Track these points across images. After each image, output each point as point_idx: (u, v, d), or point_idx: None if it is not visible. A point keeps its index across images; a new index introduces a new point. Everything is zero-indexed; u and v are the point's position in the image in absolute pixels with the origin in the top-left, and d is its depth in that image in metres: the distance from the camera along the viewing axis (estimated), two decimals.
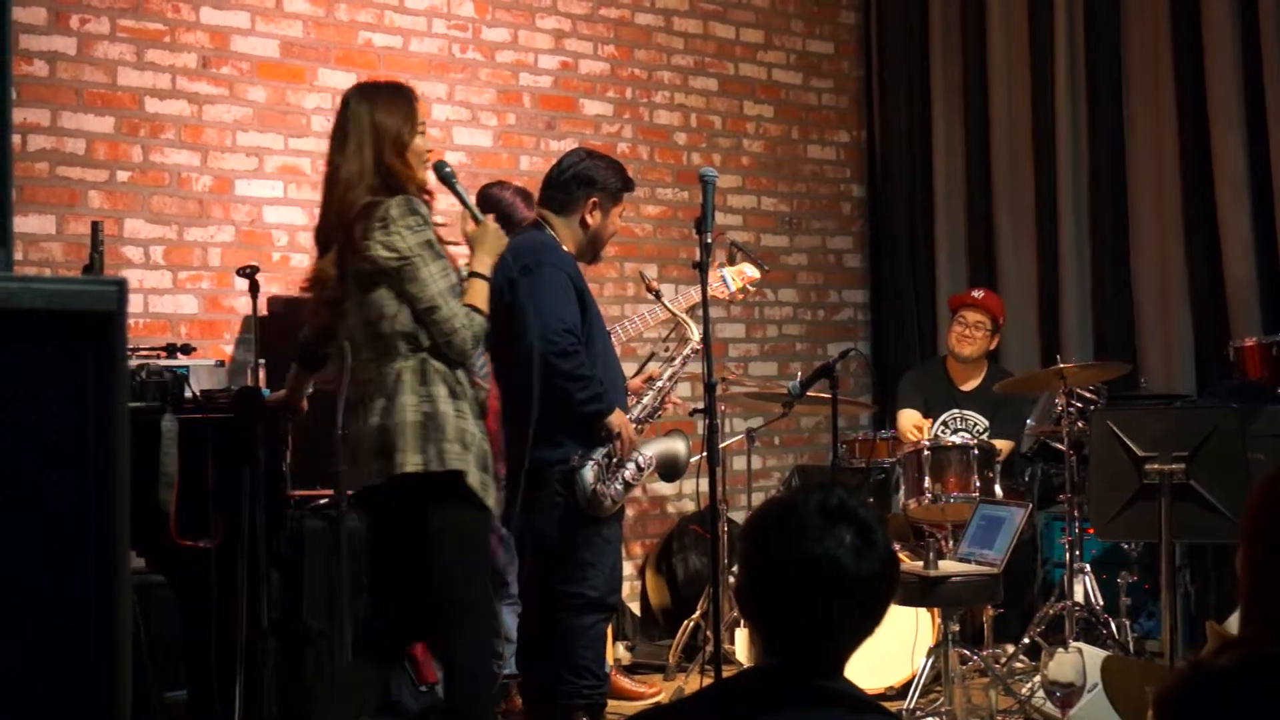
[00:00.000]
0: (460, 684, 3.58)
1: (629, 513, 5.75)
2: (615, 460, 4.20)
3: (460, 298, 3.50)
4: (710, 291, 4.07)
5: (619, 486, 4.21)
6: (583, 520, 4.17)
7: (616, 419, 4.20)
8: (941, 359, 6.32)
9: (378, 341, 3.49)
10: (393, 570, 3.62)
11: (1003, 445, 5.68)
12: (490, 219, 3.70)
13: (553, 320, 4.00)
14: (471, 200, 3.73)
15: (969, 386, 6.12)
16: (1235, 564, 2.00)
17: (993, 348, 6.20)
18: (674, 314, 4.68)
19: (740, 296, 5.22)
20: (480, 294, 3.54)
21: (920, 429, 5.87)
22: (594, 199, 4.32)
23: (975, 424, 5.95)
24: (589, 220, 4.33)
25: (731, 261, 5.13)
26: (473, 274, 3.57)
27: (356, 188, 3.47)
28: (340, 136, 3.56)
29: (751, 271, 5.11)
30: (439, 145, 5.03)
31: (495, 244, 3.63)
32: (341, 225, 3.49)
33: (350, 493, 3.81)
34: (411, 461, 3.43)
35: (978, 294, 6.21)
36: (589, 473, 4.16)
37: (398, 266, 3.44)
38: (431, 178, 3.65)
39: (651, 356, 5.03)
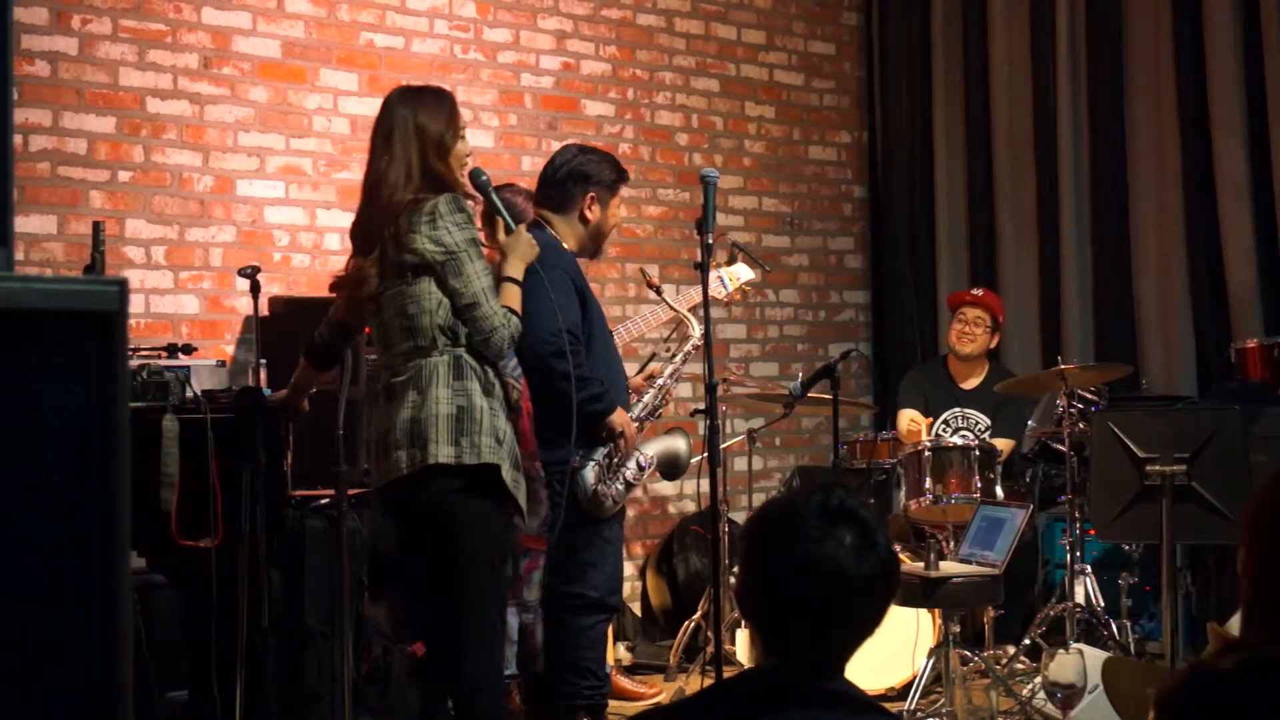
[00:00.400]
0: (468, 685, 3.57)
1: (630, 513, 5.74)
2: (616, 460, 4.20)
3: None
4: (709, 292, 4.07)
5: (620, 486, 4.20)
6: (583, 521, 4.16)
7: (618, 418, 4.20)
8: (942, 358, 6.32)
9: (413, 335, 3.50)
10: (423, 569, 3.61)
11: (1003, 444, 5.68)
12: (523, 227, 3.74)
13: (551, 320, 4.00)
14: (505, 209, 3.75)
15: (970, 385, 6.12)
16: (1237, 565, 2.00)
17: (993, 346, 6.20)
18: (676, 310, 4.68)
19: (737, 298, 5.21)
20: (514, 298, 3.59)
21: (917, 423, 5.86)
22: (591, 194, 4.32)
23: (977, 422, 5.94)
24: (588, 215, 4.33)
25: (730, 263, 5.13)
26: (506, 278, 3.60)
27: (403, 190, 3.49)
28: (384, 139, 3.56)
29: (748, 274, 5.10)
30: None
31: (528, 252, 3.70)
32: (389, 223, 3.50)
33: (351, 492, 3.81)
34: (444, 453, 3.43)
35: (977, 291, 6.22)
36: (590, 473, 4.16)
37: (443, 261, 3.47)
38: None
39: (653, 357, 5.03)
